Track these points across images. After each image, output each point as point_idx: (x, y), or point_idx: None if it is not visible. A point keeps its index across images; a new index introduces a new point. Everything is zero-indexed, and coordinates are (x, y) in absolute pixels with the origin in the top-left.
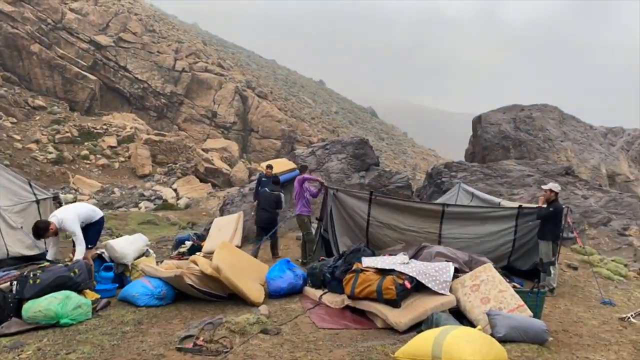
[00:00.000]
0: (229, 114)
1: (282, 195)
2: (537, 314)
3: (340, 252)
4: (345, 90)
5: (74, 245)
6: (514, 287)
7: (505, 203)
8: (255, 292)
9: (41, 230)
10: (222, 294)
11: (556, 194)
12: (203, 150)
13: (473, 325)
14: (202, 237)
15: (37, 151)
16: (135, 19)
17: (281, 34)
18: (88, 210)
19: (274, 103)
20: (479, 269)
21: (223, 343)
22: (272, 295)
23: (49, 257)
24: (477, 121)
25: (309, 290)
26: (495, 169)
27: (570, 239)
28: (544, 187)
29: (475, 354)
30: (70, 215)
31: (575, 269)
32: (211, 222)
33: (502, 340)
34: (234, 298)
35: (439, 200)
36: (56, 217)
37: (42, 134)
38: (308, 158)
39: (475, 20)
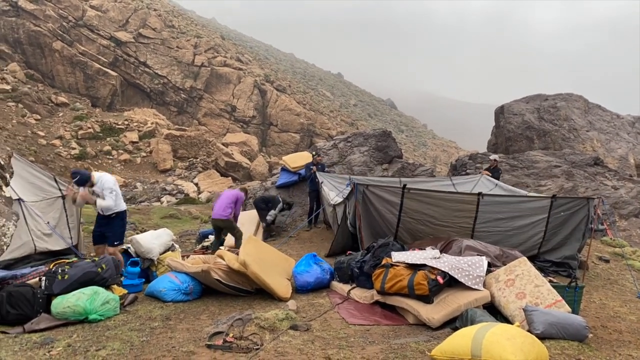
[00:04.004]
0: (248, 108)
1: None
2: (575, 310)
3: (367, 247)
4: (364, 82)
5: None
6: (550, 281)
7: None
8: (282, 287)
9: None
10: (249, 289)
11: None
12: (223, 144)
13: (508, 322)
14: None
15: (60, 147)
16: (154, 14)
17: (298, 27)
18: (119, 192)
19: (293, 96)
20: (514, 263)
21: (253, 340)
22: (299, 290)
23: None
24: (500, 112)
25: (337, 285)
26: (522, 159)
27: (600, 231)
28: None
29: (517, 353)
30: (111, 178)
31: (607, 261)
32: None
33: (540, 337)
34: (261, 293)
35: (457, 181)
36: (97, 174)
37: (66, 130)
38: (330, 151)
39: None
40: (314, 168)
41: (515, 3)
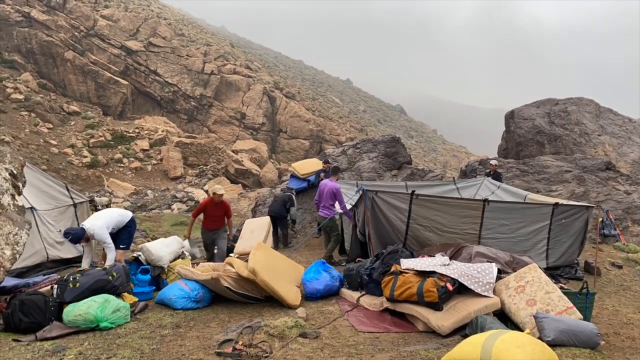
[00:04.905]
0: (258, 115)
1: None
2: (586, 317)
3: (376, 254)
4: (372, 88)
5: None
6: (560, 288)
7: (533, 196)
8: (292, 294)
9: (78, 236)
10: (258, 297)
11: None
12: (233, 151)
13: (519, 329)
14: (234, 239)
15: (72, 155)
16: (164, 23)
17: (306, 33)
18: (117, 216)
19: (302, 103)
20: (524, 269)
21: (262, 347)
22: (309, 297)
23: (83, 266)
24: (510, 116)
25: (346, 292)
26: (532, 165)
27: (613, 236)
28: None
29: None
30: (100, 224)
31: (620, 267)
32: (243, 223)
33: (551, 345)
34: (271, 300)
35: (460, 184)
36: (85, 226)
37: (77, 139)
38: (339, 157)
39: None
40: (323, 175)
41: (510, 3)
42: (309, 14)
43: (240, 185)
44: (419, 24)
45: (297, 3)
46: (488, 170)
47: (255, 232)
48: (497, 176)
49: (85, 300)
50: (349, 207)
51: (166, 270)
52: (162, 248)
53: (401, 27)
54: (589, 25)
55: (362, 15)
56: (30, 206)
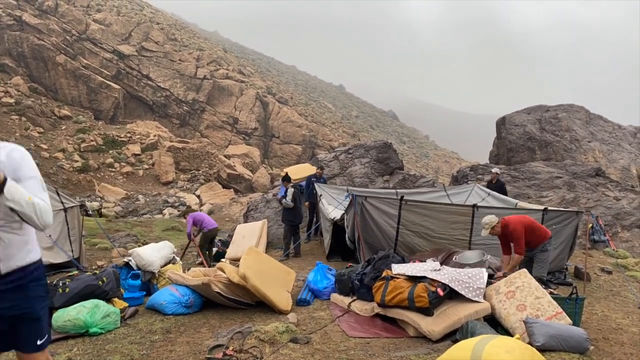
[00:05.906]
0: (250, 120)
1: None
2: (576, 322)
3: (368, 259)
4: (365, 94)
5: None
6: (550, 293)
7: (523, 204)
8: (283, 300)
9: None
10: (249, 302)
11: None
12: (225, 156)
13: (509, 334)
14: (226, 244)
15: (63, 160)
16: (157, 28)
17: (299, 37)
18: None
19: (295, 108)
20: (514, 274)
21: (253, 353)
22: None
23: None
24: (501, 122)
25: (337, 297)
26: (523, 171)
27: (602, 242)
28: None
29: None
30: None
31: (610, 273)
32: (234, 229)
33: (541, 350)
34: (262, 305)
35: (451, 191)
36: None
37: (68, 143)
38: (331, 163)
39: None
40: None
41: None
42: (292, 16)
43: (232, 190)
44: (409, 28)
45: (281, 4)
46: (489, 179)
47: (246, 237)
48: (498, 185)
49: (74, 305)
50: (339, 213)
51: (157, 275)
52: (153, 253)
53: (391, 30)
54: (582, 25)
55: (353, 16)
56: None
